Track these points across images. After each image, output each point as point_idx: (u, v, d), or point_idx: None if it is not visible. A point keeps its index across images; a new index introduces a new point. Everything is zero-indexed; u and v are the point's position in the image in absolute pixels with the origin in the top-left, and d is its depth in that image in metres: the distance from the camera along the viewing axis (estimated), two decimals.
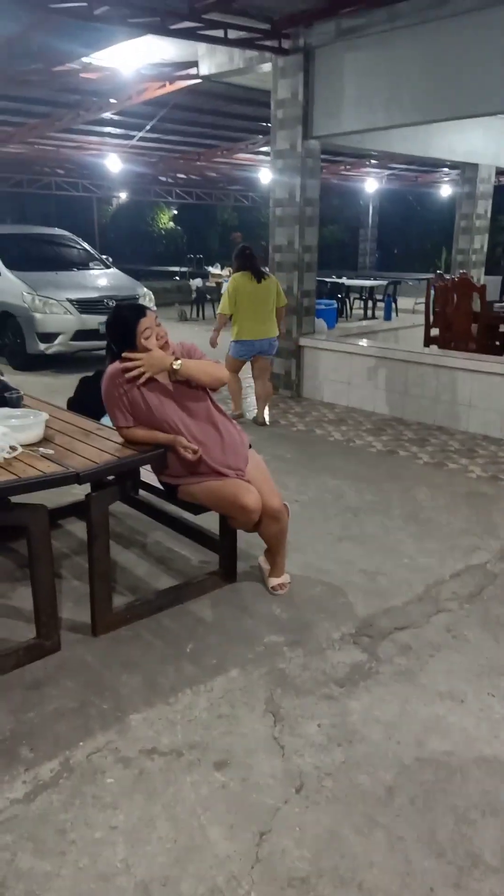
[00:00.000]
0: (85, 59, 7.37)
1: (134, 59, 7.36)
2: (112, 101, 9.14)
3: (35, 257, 9.58)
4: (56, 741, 2.26)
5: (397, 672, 2.63)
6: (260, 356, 5.94)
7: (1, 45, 6.54)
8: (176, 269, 20.02)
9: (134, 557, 3.55)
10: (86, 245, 10.68)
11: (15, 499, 2.55)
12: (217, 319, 6.00)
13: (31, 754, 2.21)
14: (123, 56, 7.24)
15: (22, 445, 2.68)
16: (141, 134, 11.23)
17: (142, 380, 2.80)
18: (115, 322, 2.90)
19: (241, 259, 5.78)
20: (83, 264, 10.06)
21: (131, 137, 11.95)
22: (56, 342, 8.48)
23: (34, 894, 1.75)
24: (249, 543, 3.40)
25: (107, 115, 9.93)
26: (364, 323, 12.74)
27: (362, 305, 14.88)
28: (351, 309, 14.90)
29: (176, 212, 27.02)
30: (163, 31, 5.90)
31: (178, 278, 17.46)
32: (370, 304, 14.27)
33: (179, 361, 2.84)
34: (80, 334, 8.53)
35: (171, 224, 27.32)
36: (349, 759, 2.19)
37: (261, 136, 12.09)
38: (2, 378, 3.24)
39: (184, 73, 7.74)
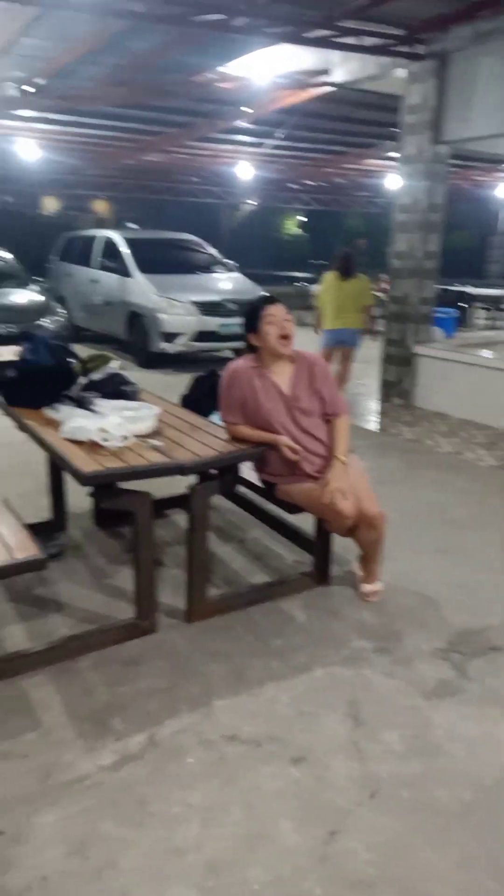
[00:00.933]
0: (221, 69, 7.61)
1: (268, 67, 7.53)
2: (246, 109, 9.38)
3: (164, 261, 10.01)
4: (145, 717, 2.38)
5: (487, 692, 2.55)
6: (342, 346, 7.01)
7: (143, 58, 6.91)
8: (299, 274, 20.17)
9: (232, 551, 3.65)
10: (212, 249, 11.02)
11: (124, 486, 2.72)
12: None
13: (121, 726, 2.34)
14: (257, 65, 7.43)
15: (134, 436, 2.84)
16: (272, 142, 11.43)
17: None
18: (249, 306, 3.12)
19: (335, 261, 7.01)
20: (208, 268, 10.40)
21: (261, 145, 12.19)
22: (178, 342, 8.83)
23: (112, 859, 1.85)
24: (345, 548, 3.40)
25: (240, 123, 10.20)
26: (486, 333, 12.26)
27: (486, 315, 14.33)
28: (473, 318, 14.39)
29: (305, 219, 27.21)
30: (297, 39, 6.01)
31: (295, 284, 17.58)
32: (495, 313, 13.71)
33: (343, 458, 2.99)
34: (201, 335, 8.83)
35: (298, 230, 27.55)
36: (428, 771, 2.16)
37: (390, 142, 11.95)
38: (121, 372, 3.45)
39: (316, 80, 7.82)
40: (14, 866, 1.83)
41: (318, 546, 3.23)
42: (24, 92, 8.19)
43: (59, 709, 2.41)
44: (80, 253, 10.94)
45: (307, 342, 5.41)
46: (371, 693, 2.53)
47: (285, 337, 2.98)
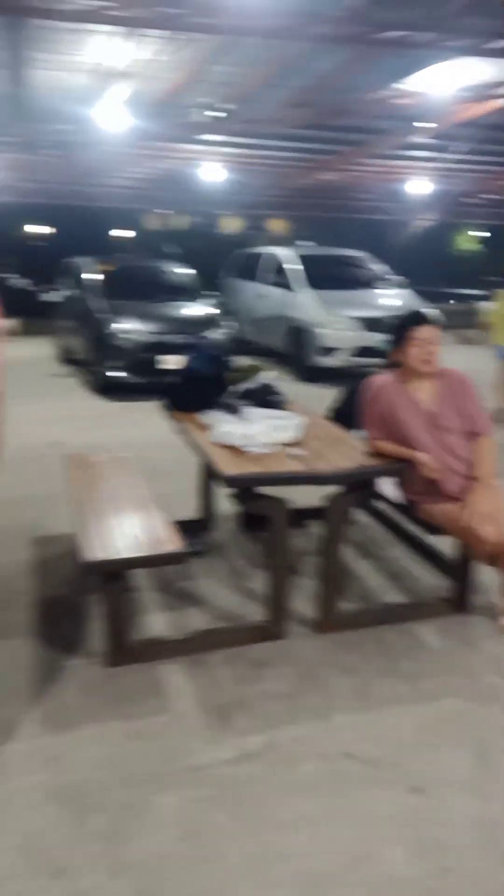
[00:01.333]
0: (397, 85, 7.57)
1: (446, 81, 7.37)
2: (424, 125, 9.23)
3: (332, 276, 10.09)
4: (267, 719, 2.42)
5: None
6: None
7: (324, 79, 7.05)
8: (472, 291, 19.38)
9: (369, 568, 3.60)
10: (380, 265, 10.95)
11: (265, 491, 2.80)
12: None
13: (244, 724, 2.40)
14: (436, 79, 7.29)
15: (277, 444, 2.92)
16: (449, 156, 11.15)
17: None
18: (400, 319, 3.08)
19: None
20: (374, 284, 10.34)
21: (437, 160, 11.92)
22: (335, 356, 8.85)
23: (220, 850, 1.91)
24: (491, 576, 3.23)
25: (415, 138, 10.06)
26: None
27: None
28: None
29: (488, 234, 26.10)
30: (479, 52, 5.83)
31: (468, 301, 16.89)
32: None
33: (488, 480, 2.87)
34: (361, 351, 8.79)
35: (475, 245, 26.54)
36: None
37: None
38: (271, 383, 3.55)
39: (498, 91, 7.52)
40: (134, 839, 1.94)
41: (459, 571, 3.09)
42: (214, 118, 8.69)
43: (188, 697, 2.53)
44: (251, 269, 11.38)
45: (471, 360, 5.21)
46: (501, 734, 2.38)
47: (428, 363, 2.91)
